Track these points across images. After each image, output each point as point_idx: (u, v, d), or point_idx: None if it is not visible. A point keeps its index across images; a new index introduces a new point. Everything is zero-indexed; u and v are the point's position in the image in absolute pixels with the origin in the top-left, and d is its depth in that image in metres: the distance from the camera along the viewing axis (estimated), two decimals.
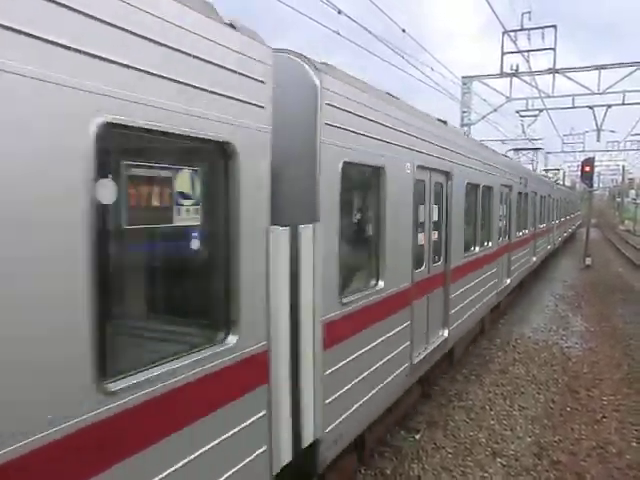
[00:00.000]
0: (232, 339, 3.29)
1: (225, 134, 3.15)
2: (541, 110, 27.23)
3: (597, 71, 21.15)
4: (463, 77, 24.34)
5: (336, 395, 4.54)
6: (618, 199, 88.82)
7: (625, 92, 22.35)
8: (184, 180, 3.11)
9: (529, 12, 20.37)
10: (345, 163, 4.52)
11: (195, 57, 2.92)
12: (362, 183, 5.37)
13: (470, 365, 9.78)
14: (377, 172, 5.31)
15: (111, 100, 2.42)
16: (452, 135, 8.17)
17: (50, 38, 2.15)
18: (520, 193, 14.47)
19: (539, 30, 20.15)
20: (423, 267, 6.81)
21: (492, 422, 7.41)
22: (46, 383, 2.18)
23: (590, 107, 25.21)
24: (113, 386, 2.47)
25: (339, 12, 11.90)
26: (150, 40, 2.62)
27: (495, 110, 24.95)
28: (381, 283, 5.39)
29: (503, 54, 21.09)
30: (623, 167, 71.27)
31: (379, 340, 5.36)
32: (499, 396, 8.37)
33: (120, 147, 2.71)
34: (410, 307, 6.23)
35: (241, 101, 3.30)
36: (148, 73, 2.62)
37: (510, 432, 7.13)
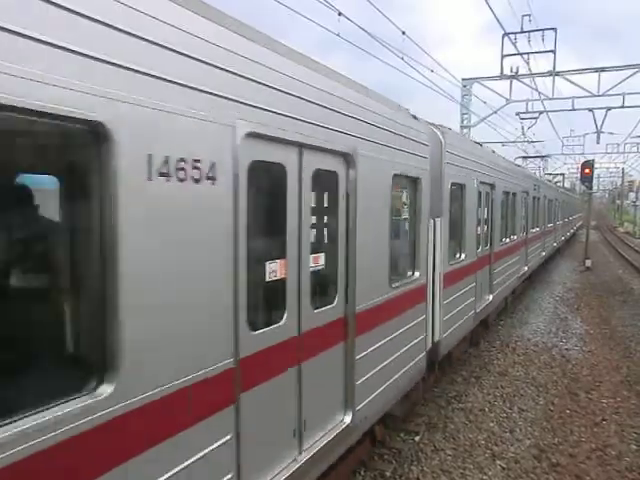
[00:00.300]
0: (417, 274, 6.60)
1: (418, 174, 6.44)
2: (541, 112, 27.21)
3: (597, 74, 21.14)
4: (463, 79, 24.35)
5: (446, 317, 7.73)
6: (618, 201, 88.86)
7: (625, 94, 22.34)
8: (404, 195, 6.84)
9: (529, 15, 20.37)
10: (451, 184, 7.86)
11: (413, 140, 6.24)
12: (455, 194, 8.26)
13: (469, 367, 9.78)
14: (461, 187, 8.60)
15: (399, 164, 5.76)
16: (493, 157, 11.98)
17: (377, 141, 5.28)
18: (534, 198, 17.95)
19: (539, 33, 20.16)
20: (480, 249, 10.05)
21: (491, 424, 7.42)
22: (382, 282, 5.49)
23: (590, 109, 25.21)
24: (393, 284, 5.75)
25: (339, 14, 11.91)
26: (406, 137, 6.01)
27: (495, 112, 24.95)
28: (463, 255, 8.76)
29: (503, 56, 21.10)
30: (623, 169, 71.31)
31: (462, 291, 8.64)
32: (498, 398, 8.38)
33: (395, 183, 5.75)
34: (475, 274, 9.58)
35: (420, 156, 6.51)
36: (409, 153, 6.06)
37: (509, 434, 7.14)
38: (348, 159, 4.66)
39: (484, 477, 6.06)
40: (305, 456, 4.16)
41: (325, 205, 4.96)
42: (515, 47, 20.22)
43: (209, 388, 3.06)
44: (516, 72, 21.64)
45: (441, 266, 7.38)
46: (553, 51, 20.36)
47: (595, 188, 46.13)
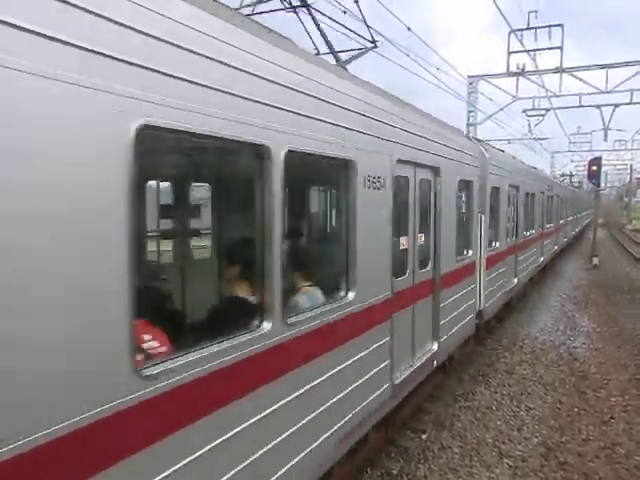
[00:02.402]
0: (470, 252, 8.68)
1: (472, 178, 8.60)
2: (548, 109, 27.10)
3: (604, 70, 20.99)
4: (469, 76, 24.24)
5: (487, 291, 10.18)
6: (625, 199, 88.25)
7: (632, 91, 22.19)
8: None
9: (536, 11, 20.28)
10: (492, 187, 10.29)
11: (470, 155, 8.60)
12: (496, 196, 11.04)
13: (476, 365, 9.75)
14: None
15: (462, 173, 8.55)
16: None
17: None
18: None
19: (546, 29, 20.00)
20: (514, 238, 13.42)
21: (499, 422, 7.39)
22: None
23: (597, 106, 25.07)
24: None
25: (344, 12, 11.86)
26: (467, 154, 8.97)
27: (501, 109, 24.85)
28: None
29: (509, 53, 20.97)
30: (631, 166, 70.81)
31: (505, 268, 11.92)
32: (506, 396, 8.35)
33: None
34: (514, 255, 13.19)
35: (474, 166, 8.77)
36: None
37: (517, 433, 7.11)
38: (435, 172, 6.92)
39: (492, 475, 6.04)
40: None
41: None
42: (521, 44, 20.08)
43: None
44: (522, 69, 21.50)
45: (485, 250, 10.42)
46: (560, 47, 20.21)
47: (603, 185, 45.83)
